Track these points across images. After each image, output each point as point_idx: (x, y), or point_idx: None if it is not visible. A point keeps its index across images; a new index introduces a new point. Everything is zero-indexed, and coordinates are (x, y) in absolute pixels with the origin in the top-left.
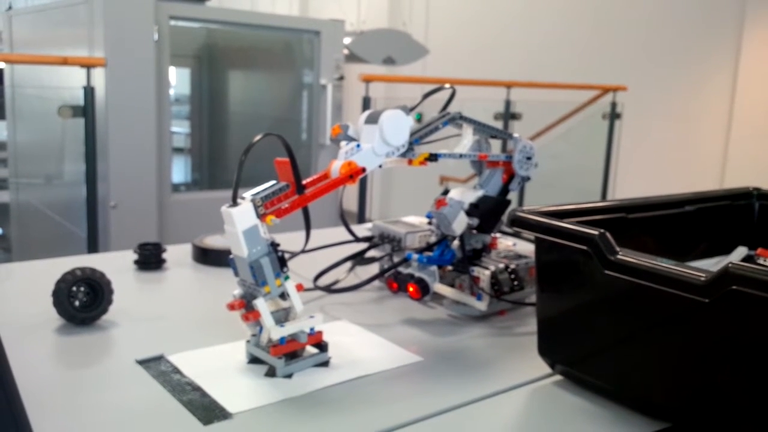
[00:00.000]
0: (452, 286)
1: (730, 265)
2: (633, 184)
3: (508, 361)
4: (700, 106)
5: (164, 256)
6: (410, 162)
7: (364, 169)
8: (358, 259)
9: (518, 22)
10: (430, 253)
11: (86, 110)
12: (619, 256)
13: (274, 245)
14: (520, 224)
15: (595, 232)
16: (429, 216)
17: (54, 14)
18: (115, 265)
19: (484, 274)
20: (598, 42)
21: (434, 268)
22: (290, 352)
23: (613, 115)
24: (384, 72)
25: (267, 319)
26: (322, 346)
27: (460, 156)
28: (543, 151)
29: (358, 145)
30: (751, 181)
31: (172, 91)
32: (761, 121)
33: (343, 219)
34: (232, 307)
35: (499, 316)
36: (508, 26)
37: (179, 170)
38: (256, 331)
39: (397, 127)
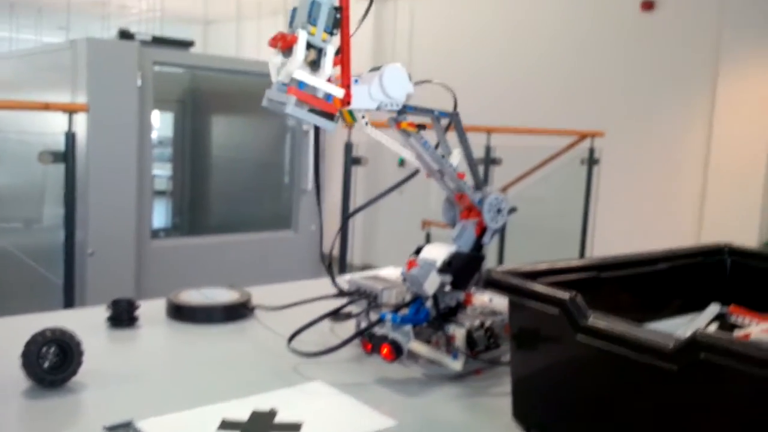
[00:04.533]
0: (428, 342)
1: (698, 333)
2: (612, 227)
3: (484, 424)
4: (677, 151)
5: (138, 312)
6: (398, 125)
7: (349, 102)
8: (335, 315)
9: (499, 69)
10: (405, 311)
11: (67, 156)
12: (590, 321)
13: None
14: (494, 285)
15: (566, 296)
16: (403, 274)
17: (37, 59)
18: (87, 322)
19: (459, 333)
20: (576, 88)
21: (408, 327)
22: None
23: (591, 161)
24: None
25: (299, 51)
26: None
27: (443, 157)
28: (523, 194)
29: (356, 80)
30: (729, 227)
31: (155, 134)
32: (737, 169)
33: (330, 269)
34: (275, 40)
35: (475, 375)
36: (489, 72)
37: (160, 214)
38: (279, 69)
39: (397, 80)
